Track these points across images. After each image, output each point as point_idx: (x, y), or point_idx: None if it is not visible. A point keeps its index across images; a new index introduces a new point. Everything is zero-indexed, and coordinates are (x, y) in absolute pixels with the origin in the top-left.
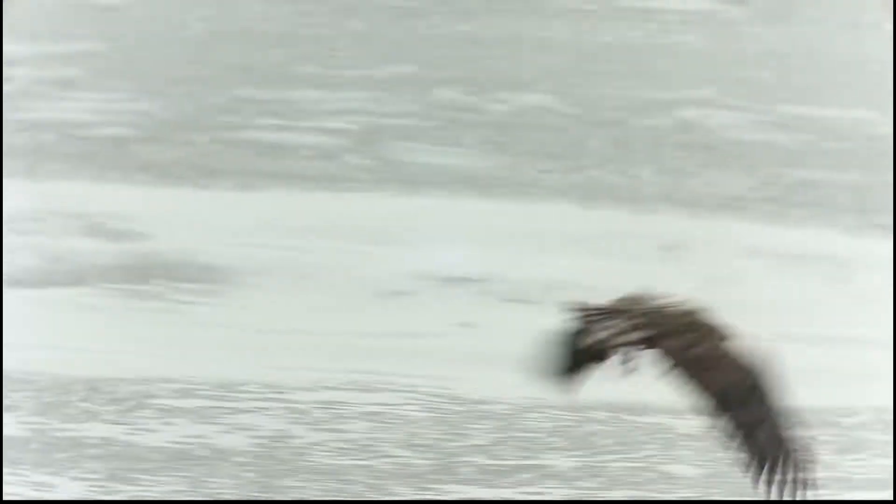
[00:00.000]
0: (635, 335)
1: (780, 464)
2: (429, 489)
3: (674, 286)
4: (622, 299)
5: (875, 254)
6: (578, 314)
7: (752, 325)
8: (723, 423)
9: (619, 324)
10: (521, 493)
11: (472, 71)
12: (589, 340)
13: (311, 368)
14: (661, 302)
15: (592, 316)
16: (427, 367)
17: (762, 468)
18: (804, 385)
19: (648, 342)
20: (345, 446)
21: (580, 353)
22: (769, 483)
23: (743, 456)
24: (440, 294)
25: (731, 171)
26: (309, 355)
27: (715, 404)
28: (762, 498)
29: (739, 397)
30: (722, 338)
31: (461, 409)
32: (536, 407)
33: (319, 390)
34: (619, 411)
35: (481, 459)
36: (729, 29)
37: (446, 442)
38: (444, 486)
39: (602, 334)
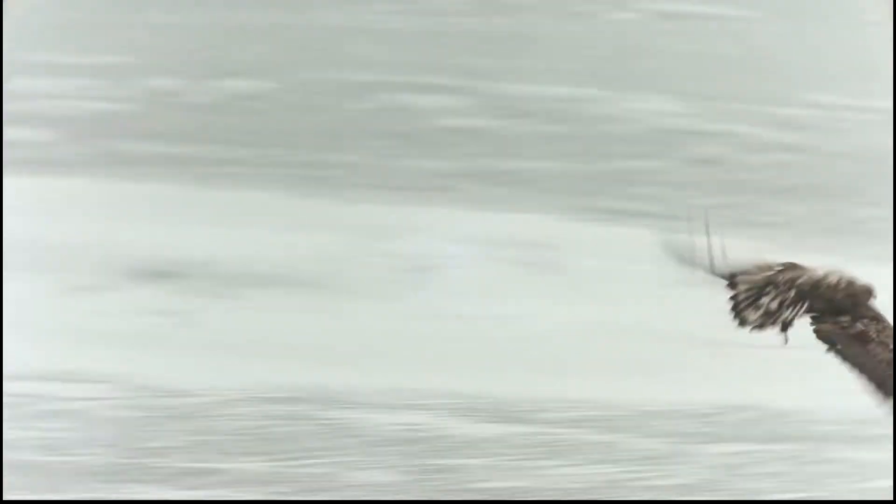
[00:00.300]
0: (800, 307)
1: None
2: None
3: (383, 274)
4: (772, 271)
5: (586, 239)
6: (737, 287)
7: (456, 309)
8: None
9: (784, 295)
10: (214, 494)
11: (185, 58)
12: (755, 315)
13: None
14: (815, 275)
15: (753, 288)
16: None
17: None
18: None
19: (814, 317)
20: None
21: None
22: None
23: None
24: (135, 286)
25: (443, 156)
26: None
27: (879, 380)
28: None
29: None
30: (875, 316)
31: (151, 403)
32: (230, 402)
33: None
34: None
35: (172, 461)
36: (446, 14)
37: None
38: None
39: (772, 305)
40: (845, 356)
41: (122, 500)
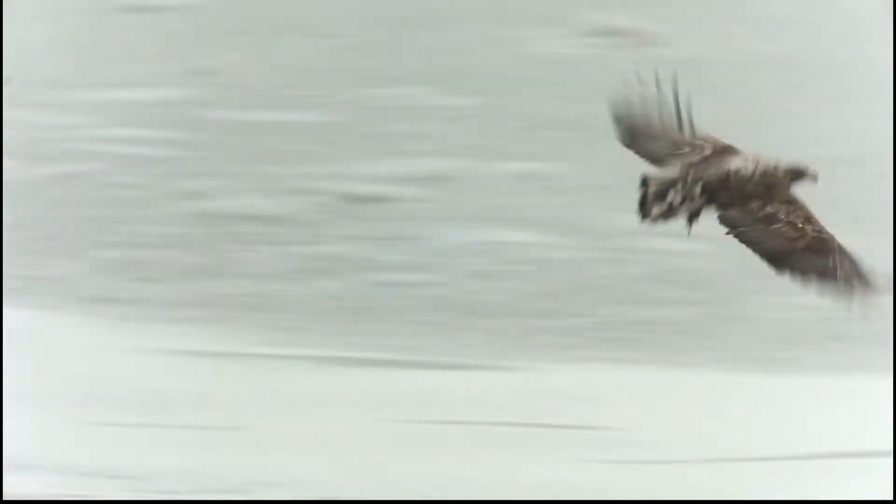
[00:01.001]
0: (701, 200)
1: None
2: None
3: None
4: (689, 165)
5: None
6: (645, 185)
7: None
8: (794, 273)
9: (689, 191)
10: None
11: None
12: (658, 209)
13: None
14: (723, 169)
15: (663, 184)
16: None
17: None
18: None
19: (721, 206)
20: None
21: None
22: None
23: (821, 289)
24: None
25: None
26: None
27: (779, 255)
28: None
29: (813, 248)
30: (789, 199)
31: None
32: None
33: None
34: None
35: None
36: None
37: None
38: None
39: (675, 200)
40: (746, 237)
41: (122, 500)
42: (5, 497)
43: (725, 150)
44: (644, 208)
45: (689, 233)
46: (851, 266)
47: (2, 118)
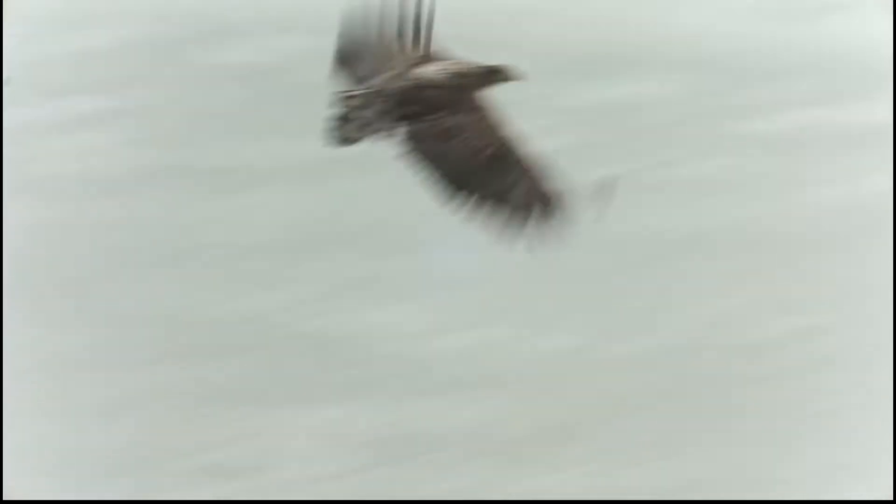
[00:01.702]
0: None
1: (539, 213)
2: None
3: None
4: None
5: None
6: (339, 103)
7: None
8: (468, 196)
9: (385, 104)
10: None
11: None
12: (351, 128)
13: None
14: (423, 75)
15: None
16: None
17: (519, 222)
18: None
19: (409, 120)
20: None
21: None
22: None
23: (494, 220)
24: None
25: None
26: None
27: (463, 177)
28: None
29: (492, 162)
30: (476, 107)
31: None
32: None
33: None
34: None
35: None
36: None
37: None
38: None
39: (369, 115)
40: (428, 155)
41: (122, 500)
42: (5, 497)
43: (434, 58)
44: (338, 130)
45: (392, 143)
46: (534, 185)
47: (2, 119)
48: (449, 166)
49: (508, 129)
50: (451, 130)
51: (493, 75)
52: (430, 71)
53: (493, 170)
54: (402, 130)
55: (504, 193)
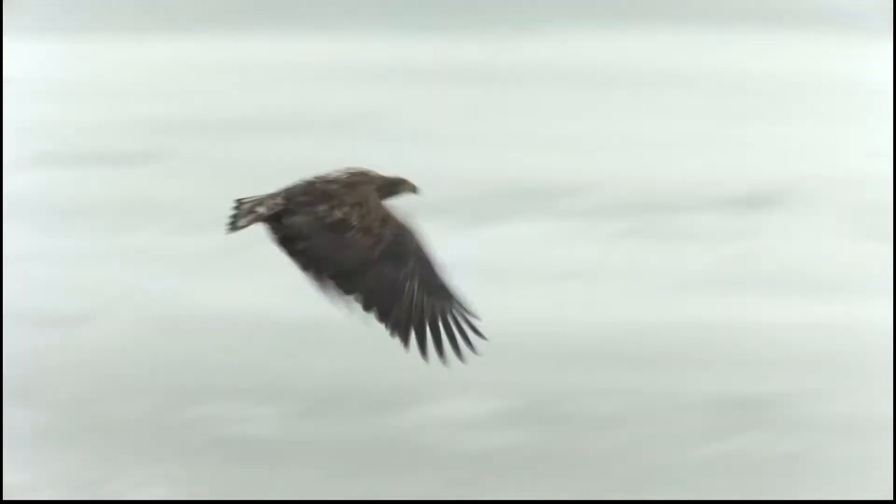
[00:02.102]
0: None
1: (438, 315)
2: None
3: None
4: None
5: None
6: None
7: None
8: (360, 287)
9: (274, 201)
10: None
11: None
12: (245, 220)
13: None
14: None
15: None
16: None
17: (412, 323)
18: None
19: (278, 218)
20: None
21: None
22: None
23: (387, 316)
24: None
25: None
26: None
27: (357, 273)
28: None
29: (395, 252)
30: (358, 202)
31: None
32: None
33: None
34: None
35: None
36: None
37: None
38: None
39: (261, 210)
40: (316, 250)
41: (122, 500)
42: (5, 497)
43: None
44: (233, 223)
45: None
46: (428, 277)
47: (2, 121)
48: (343, 266)
49: (396, 217)
50: (337, 226)
51: (394, 186)
52: (326, 173)
53: (387, 263)
54: (290, 222)
55: (394, 286)
